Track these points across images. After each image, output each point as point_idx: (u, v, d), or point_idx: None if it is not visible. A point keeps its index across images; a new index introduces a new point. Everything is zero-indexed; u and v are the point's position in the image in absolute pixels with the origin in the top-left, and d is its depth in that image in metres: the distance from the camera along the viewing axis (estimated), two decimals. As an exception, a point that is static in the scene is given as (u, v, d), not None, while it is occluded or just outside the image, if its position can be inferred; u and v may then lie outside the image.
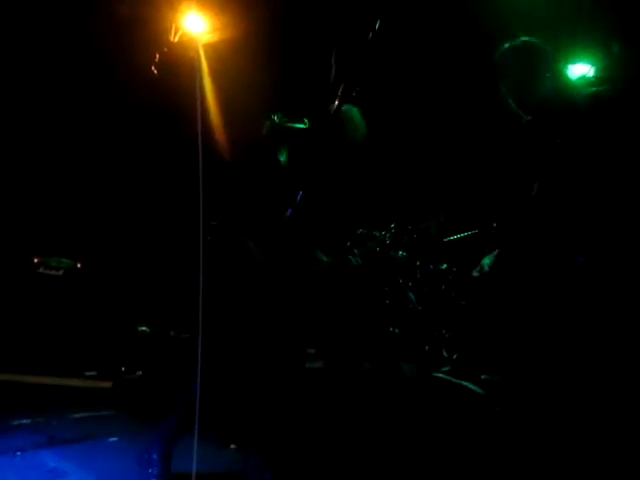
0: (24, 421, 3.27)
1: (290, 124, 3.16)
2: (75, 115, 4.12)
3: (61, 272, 4.00)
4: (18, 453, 2.81)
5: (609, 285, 2.14)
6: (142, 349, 3.65)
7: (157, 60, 3.88)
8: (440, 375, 3.50)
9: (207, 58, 3.31)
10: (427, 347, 3.87)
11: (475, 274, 2.60)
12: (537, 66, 2.48)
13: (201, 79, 2.93)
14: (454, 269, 4.04)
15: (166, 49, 3.86)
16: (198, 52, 3.19)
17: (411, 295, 3.92)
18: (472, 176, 4.42)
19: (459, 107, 4.43)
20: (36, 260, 3.93)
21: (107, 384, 3.62)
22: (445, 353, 3.87)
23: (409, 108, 4.41)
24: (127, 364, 3.67)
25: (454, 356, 3.84)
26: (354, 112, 3.00)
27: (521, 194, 2.39)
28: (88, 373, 3.93)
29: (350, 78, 2.21)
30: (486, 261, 2.60)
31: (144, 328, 3.65)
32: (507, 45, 2.56)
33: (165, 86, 3.73)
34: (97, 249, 4.13)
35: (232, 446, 3.35)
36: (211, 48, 3.75)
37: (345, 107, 2.93)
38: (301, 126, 3.12)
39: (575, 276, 2.16)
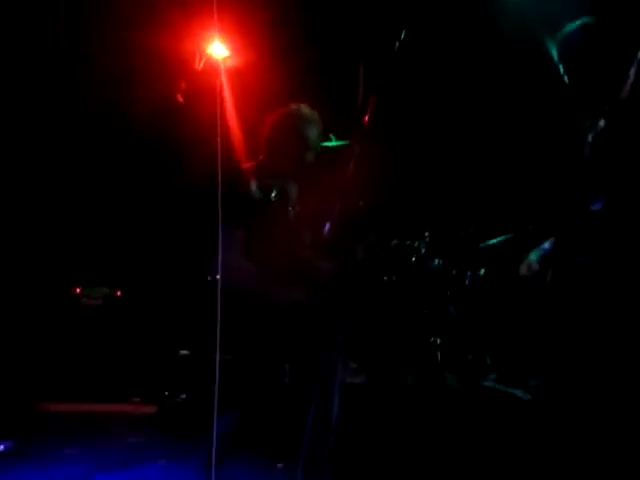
0: (73, 449, 3.38)
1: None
2: (106, 148, 4.30)
3: (101, 301, 4.17)
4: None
5: None
6: (184, 373, 3.75)
7: (183, 89, 4.04)
8: (486, 384, 3.60)
9: (231, 82, 3.42)
10: (470, 356, 3.86)
11: (524, 272, 2.49)
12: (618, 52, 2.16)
13: (223, 103, 3.02)
14: (493, 274, 4.05)
15: (191, 77, 4.03)
16: (220, 77, 3.29)
17: (450, 304, 3.94)
18: (505, 178, 4.44)
19: (491, 111, 4.45)
20: (78, 291, 4.10)
21: (152, 409, 3.74)
22: (489, 361, 3.83)
23: (438, 116, 4.46)
24: (170, 388, 3.77)
25: (499, 363, 3.82)
26: None
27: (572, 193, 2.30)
28: (133, 399, 4.05)
29: (379, 91, 2.26)
30: (533, 257, 2.50)
31: (185, 352, 3.76)
32: (577, 25, 2.27)
33: (192, 115, 3.93)
34: (135, 276, 4.28)
35: (279, 465, 3.34)
36: (235, 71, 3.86)
37: None
38: (329, 144, 3.25)
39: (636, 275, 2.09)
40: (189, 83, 4.14)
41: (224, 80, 3.33)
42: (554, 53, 2.41)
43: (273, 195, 2.89)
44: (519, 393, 3.42)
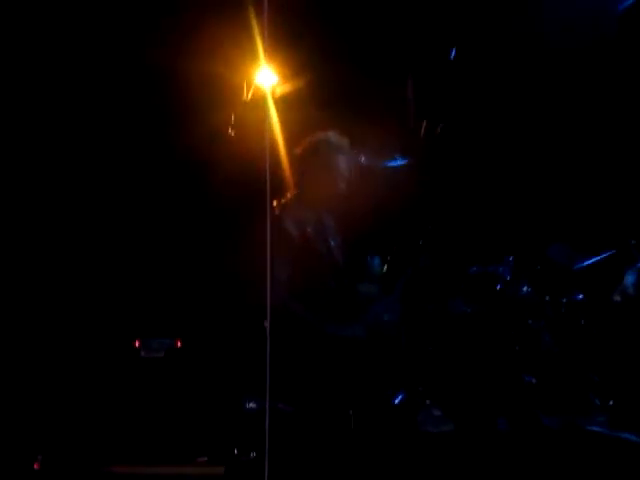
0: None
1: (382, 163, 3.26)
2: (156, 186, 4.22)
3: (162, 353, 4.07)
4: None
5: None
6: (253, 427, 3.58)
7: (233, 121, 3.98)
8: (594, 428, 3.34)
9: (279, 110, 3.32)
10: (573, 395, 3.56)
11: (617, 298, 2.24)
12: None
13: (271, 133, 2.91)
14: (593, 300, 3.60)
15: (241, 108, 3.95)
16: (268, 105, 3.20)
17: (545, 336, 3.64)
18: (600, 188, 4.06)
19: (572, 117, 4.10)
20: (137, 344, 4.06)
21: (220, 469, 3.61)
22: (597, 400, 3.54)
23: (502, 136, 4.07)
24: (239, 445, 3.61)
25: (609, 403, 3.52)
26: None
27: None
28: (199, 459, 3.94)
29: (431, 115, 2.29)
30: (630, 280, 2.24)
31: (252, 404, 3.60)
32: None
33: (243, 147, 3.67)
34: (194, 324, 4.17)
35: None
36: (283, 100, 3.80)
37: None
38: (394, 163, 3.20)
39: None
40: (238, 114, 4.01)
41: (273, 109, 3.29)
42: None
43: (309, 230, 2.83)
44: (633, 438, 3.18)
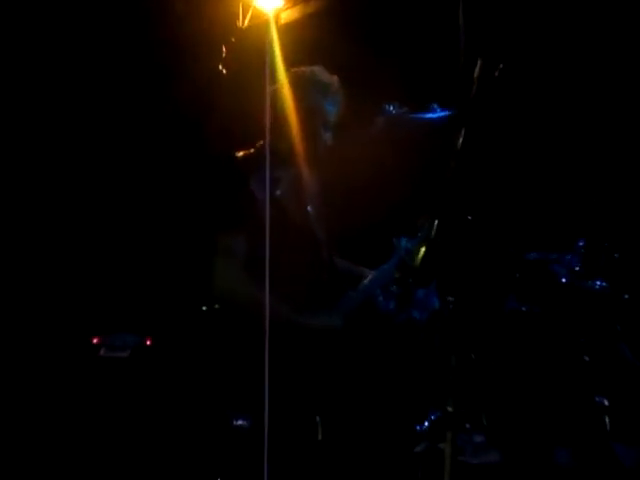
0: None
1: (414, 114, 2.85)
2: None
3: (127, 352, 3.68)
4: None
5: None
6: (241, 450, 2.98)
7: (224, 55, 3.60)
8: None
9: (284, 41, 2.84)
10: None
11: None
12: None
13: (273, 69, 2.56)
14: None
15: (234, 39, 3.58)
16: (270, 34, 2.71)
17: (622, 345, 3.23)
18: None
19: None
20: (95, 341, 3.58)
21: None
22: None
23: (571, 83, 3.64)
24: (224, 473, 3.06)
25: None
26: None
27: None
28: None
29: (488, 51, 1.97)
30: None
31: (241, 422, 3.05)
32: None
33: (237, 85, 3.46)
34: (168, 319, 3.78)
35: None
36: (288, 28, 3.46)
37: None
38: (432, 115, 2.82)
39: None
40: (231, 45, 3.60)
41: (275, 39, 2.77)
42: None
43: (278, 193, 2.49)
44: None
